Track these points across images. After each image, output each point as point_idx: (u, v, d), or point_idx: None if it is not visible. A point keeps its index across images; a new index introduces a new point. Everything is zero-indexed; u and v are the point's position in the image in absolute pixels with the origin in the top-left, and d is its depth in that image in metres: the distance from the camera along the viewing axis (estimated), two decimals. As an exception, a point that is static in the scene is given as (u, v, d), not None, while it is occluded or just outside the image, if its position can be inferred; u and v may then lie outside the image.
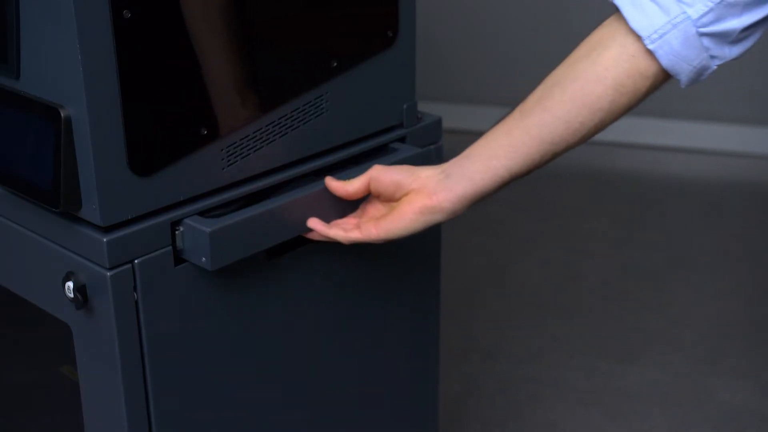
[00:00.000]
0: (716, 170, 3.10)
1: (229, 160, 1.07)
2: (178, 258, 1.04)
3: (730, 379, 2.11)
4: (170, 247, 1.03)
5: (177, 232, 1.03)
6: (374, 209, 1.11)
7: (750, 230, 2.79)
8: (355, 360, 1.26)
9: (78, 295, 1.00)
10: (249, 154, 1.09)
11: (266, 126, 1.10)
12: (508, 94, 3.31)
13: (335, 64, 1.15)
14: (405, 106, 1.25)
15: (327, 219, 1.11)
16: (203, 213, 1.05)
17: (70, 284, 1.01)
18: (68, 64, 0.92)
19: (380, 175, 1.08)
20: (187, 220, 1.03)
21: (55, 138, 0.95)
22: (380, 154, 1.22)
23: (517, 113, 1.03)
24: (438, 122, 1.29)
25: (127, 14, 0.93)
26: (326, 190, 1.11)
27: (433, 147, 1.28)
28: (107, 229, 0.98)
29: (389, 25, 1.20)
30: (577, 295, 2.44)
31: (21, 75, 0.99)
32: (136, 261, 1.00)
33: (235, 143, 1.07)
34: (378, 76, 1.20)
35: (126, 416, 1.03)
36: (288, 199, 1.08)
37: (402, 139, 1.26)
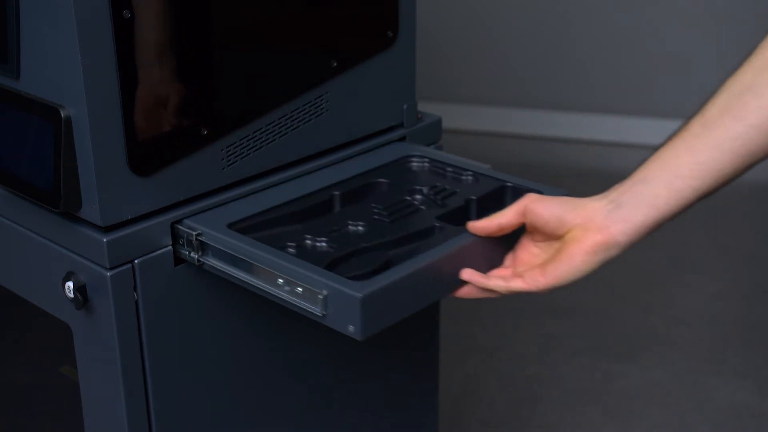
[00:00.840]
0: (716, 170, 3.10)
1: (229, 160, 1.07)
2: (178, 258, 1.04)
3: (730, 379, 2.11)
4: (170, 247, 1.03)
5: (319, 297, 0.91)
6: (527, 254, 1.00)
7: (750, 230, 2.79)
8: (355, 360, 1.26)
9: (78, 295, 1.00)
10: (249, 154, 1.09)
11: (266, 126, 1.10)
12: (508, 94, 3.32)
13: (335, 64, 1.15)
14: (405, 106, 1.25)
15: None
16: (196, 208, 1.05)
17: (70, 284, 1.01)
18: (68, 64, 0.92)
19: (537, 206, 0.96)
20: (331, 283, 0.91)
21: (55, 138, 0.95)
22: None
23: (696, 127, 0.92)
24: (438, 122, 1.30)
25: (127, 14, 0.93)
26: (474, 244, 0.99)
27: (435, 147, 1.28)
28: (107, 229, 0.98)
29: (389, 25, 1.20)
30: (577, 295, 2.44)
31: (21, 75, 0.99)
32: (136, 261, 1.00)
33: (235, 143, 1.07)
34: (378, 76, 1.20)
35: (126, 416, 1.03)
36: (438, 256, 0.96)
37: (402, 139, 1.26)
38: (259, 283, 0.97)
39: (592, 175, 3.04)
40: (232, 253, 0.99)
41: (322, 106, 1.15)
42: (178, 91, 1.01)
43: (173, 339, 1.05)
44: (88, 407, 1.09)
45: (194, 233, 1.01)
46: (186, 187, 1.04)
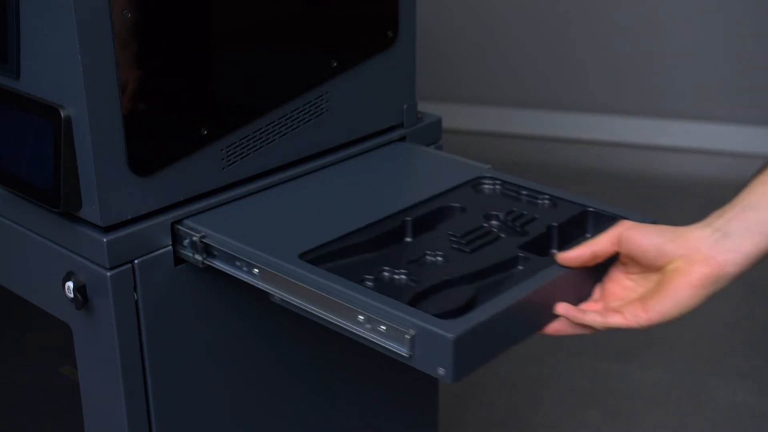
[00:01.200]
0: (715, 170, 3.10)
1: (229, 160, 1.07)
2: (178, 258, 1.04)
3: (730, 379, 2.11)
4: (170, 247, 1.03)
5: (406, 337, 0.84)
6: (620, 287, 0.94)
7: (750, 230, 2.79)
8: (355, 359, 1.26)
9: (78, 295, 1.00)
10: (249, 154, 1.09)
11: (266, 126, 1.10)
12: (508, 94, 3.32)
13: (335, 64, 1.15)
14: (405, 106, 1.25)
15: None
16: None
17: (70, 284, 1.01)
18: (68, 64, 0.92)
19: (634, 234, 0.90)
20: (419, 321, 0.84)
21: (55, 138, 0.95)
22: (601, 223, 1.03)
23: None
24: (438, 122, 1.30)
25: (127, 14, 0.93)
26: (564, 276, 0.93)
27: (434, 147, 1.28)
28: (107, 229, 0.98)
29: (389, 25, 1.20)
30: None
31: (21, 75, 0.99)
32: (136, 261, 1.00)
33: (235, 143, 1.07)
34: (378, 76, 1.20)
35: (126, 416, 1.03)
36: (529, 290, 0.90)
37: (402, 139, 1.26)
38: (337, 319, 0.91)
39: (592, 175, 3.04)
40: (307, 287, 0.92)
41: (322, 106, 1.15)
42: (178, 91, 1.01)
43: (173, 339, 1.05)
44: (88, 407, 1.09)
45: (264, 267, 0.96)
46: (186, 187, 1.04)
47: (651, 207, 2.88)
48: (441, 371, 0.83)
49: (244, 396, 1.14)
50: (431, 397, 1.40)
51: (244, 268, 0.98)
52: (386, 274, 0.96)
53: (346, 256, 0.99)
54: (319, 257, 0.97)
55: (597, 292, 0.96)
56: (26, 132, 0.99)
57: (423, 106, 1.29)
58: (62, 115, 0.94)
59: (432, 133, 1.29)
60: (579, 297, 0.95)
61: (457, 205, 1.09)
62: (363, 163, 1.20)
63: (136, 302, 1.01)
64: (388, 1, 1.19)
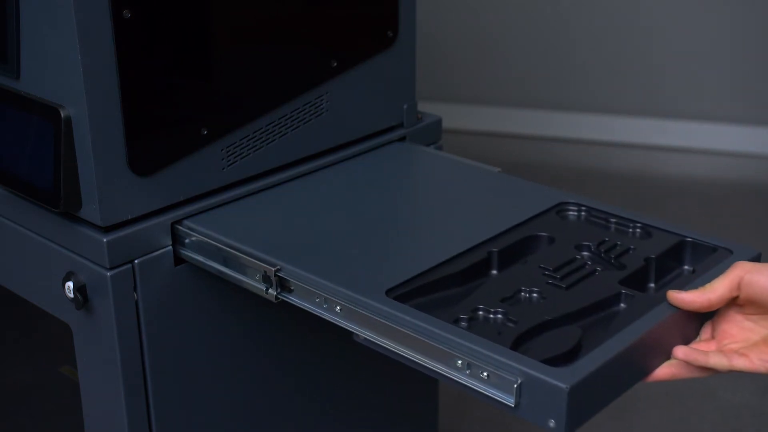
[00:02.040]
0: (715, 170, 3.10)
1: (229, 160, 1.07)
2: (178, 258, 1.04)
3: (730, 378, 2.11)
4: (170, 247, 1.03)
5: (514, 386, 0.78)
6: (737, 328, 0.89)
7: (750, 230, 2.79)
8: (355, 359, 1.26)
9: (78, 295, 1.00)
10: (249, 154, 1.09)
11: (266, 126, 1.10)
12: (508, 94, 3.32)
13: (335, 64, 1.15)
14: (405, 106, 1.25)
15: (670, 347, 0.88)
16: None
17: (70, 284, 1.01)
18: (68, 64, 0.92)
19: (758, 278, 0.85)
20: (527, 369, 0.78)
21: (55, 138, 0.95)
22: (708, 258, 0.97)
23: None
24: (438, 122, 1.30)
25: (127, 14, 0.93)
26: (674, 316, 0.87)
27: (434, 147, 1.28)
28: (107, 229, 0.98)
29: (389, 25, 1.20)
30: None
31: (21, 75, 0.99)
32: (136, 261, 1.00)
33: (235, 143, 1.07)
34: (378, 76, 1.20)
35: (126, 416, 1.03)
36: (641, 332, 0.84)
37: (402, 139, 1.26)
38: (431, 363, 0.84)
39: (592, 175, 3.04)
40: (398, 327, 0.86)
41: (322, 106, 1.15)
42: (178, 91, 1.01)
43: (173, 339, 1.05)
44: (88, 407, 1.09)
45: (348, 304, 0.90)
46: (186, 187, 1.04)
47: (651, 207, 2.88)
48: (551, 423, 0.77)
49: (244, 396, 1.14)
50: (431, 397, 1.40)
51: (325, 306, 0.92)
52: (481, 313, 0.90)
53: (432, 291, 0.93)
54: (405, 294, 0.91)
55: (706, 331, 0.91)
56: (26, 132, 0.99)
57: (423, 106, 1.29)
58: (62, 115, 0.94)
59: (432, 133, 1.29)
60: (685, 337, 0.89)
61: (544, 234, 1.03)
62: (361, 164, 1.20)
63: (136, 302, 1.01)
64: (388, 1, 1.19)
